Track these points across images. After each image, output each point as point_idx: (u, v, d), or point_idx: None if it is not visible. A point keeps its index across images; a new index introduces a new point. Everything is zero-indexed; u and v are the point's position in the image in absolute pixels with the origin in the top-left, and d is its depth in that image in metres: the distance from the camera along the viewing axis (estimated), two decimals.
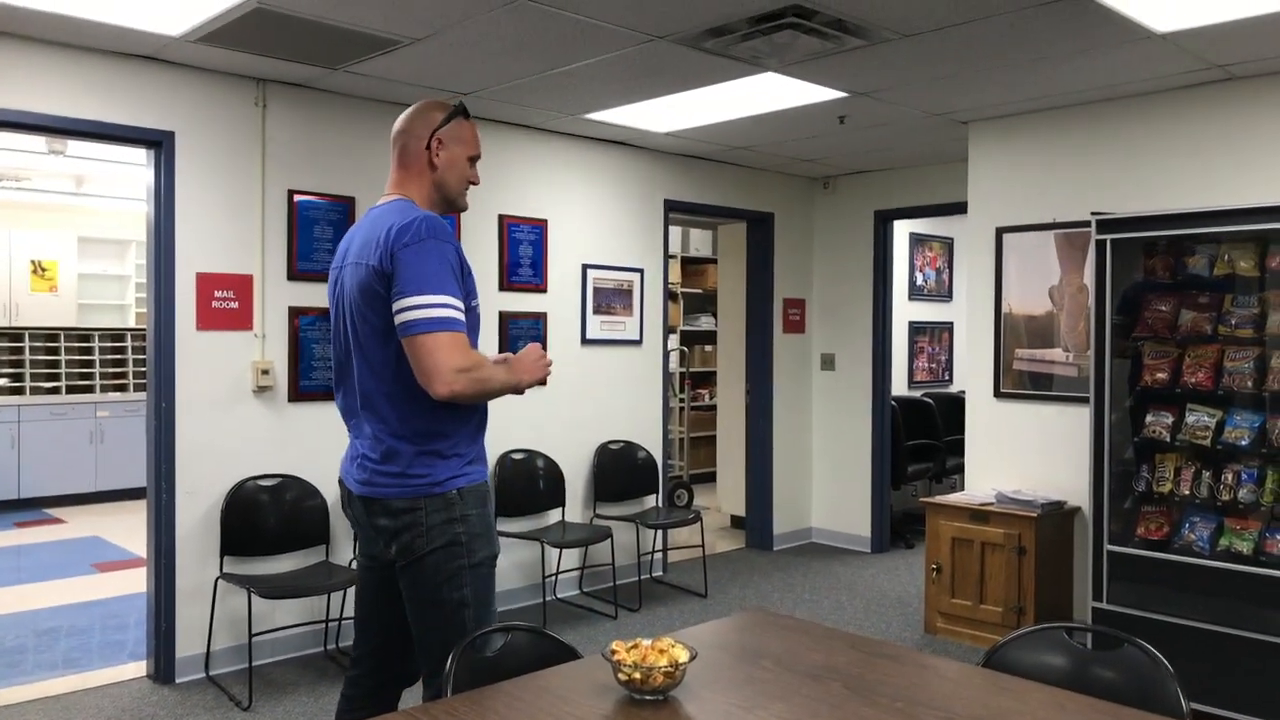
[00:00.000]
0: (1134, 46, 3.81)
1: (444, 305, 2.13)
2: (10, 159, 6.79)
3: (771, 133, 5.38)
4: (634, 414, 5.78)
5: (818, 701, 1.83)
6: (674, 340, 8.77)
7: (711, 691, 1.86)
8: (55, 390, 8.34)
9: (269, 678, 4.15)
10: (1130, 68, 4.09)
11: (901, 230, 7.33)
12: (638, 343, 5.81)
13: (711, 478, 8.33)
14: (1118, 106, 4.60)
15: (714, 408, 8.27)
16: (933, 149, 5.76)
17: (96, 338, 8.63)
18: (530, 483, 5.20)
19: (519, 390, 2.30)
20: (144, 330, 4.64)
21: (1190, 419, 3.97)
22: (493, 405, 2.41)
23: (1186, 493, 3.97)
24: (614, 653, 1.84)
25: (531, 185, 5.29)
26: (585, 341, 5.54)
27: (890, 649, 2.20)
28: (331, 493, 4.46)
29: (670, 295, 6.44)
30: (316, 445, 4.47)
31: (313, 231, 4.46)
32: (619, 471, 5.63)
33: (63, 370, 8.41)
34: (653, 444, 5.84)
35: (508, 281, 5.17)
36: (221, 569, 4.15)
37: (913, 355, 7.64)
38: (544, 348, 5.25)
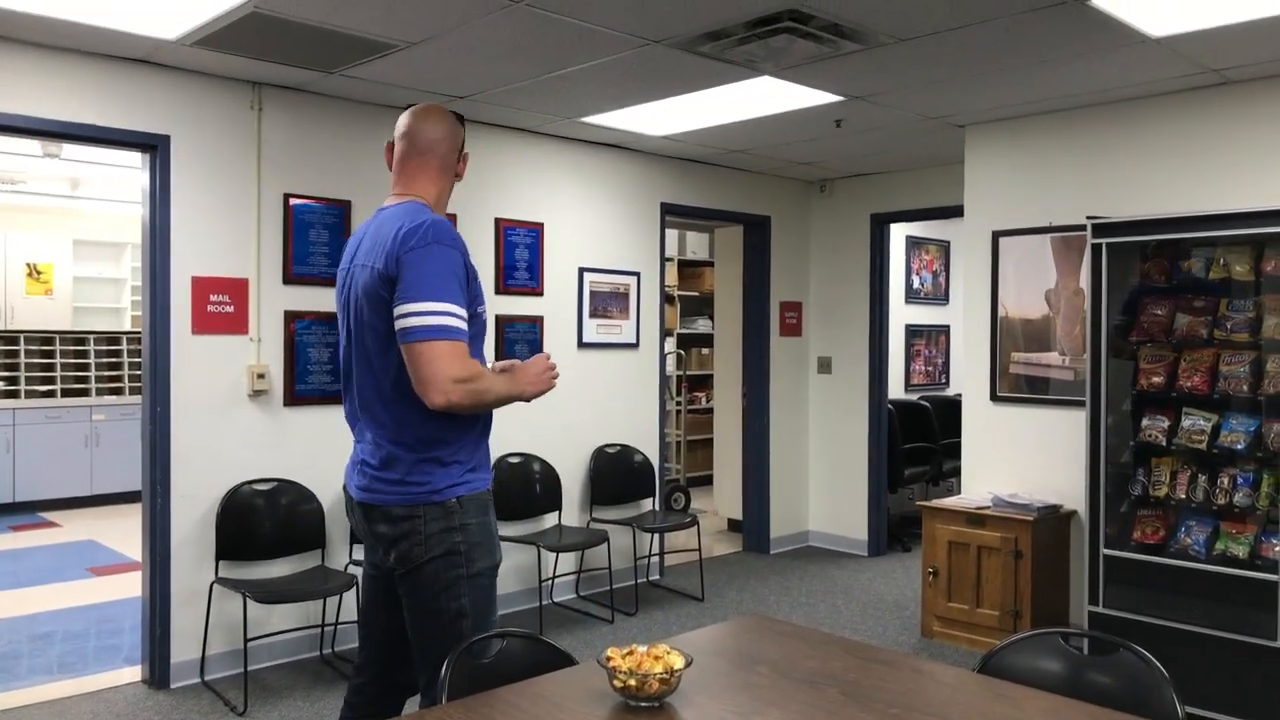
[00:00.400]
0: (1129, 51, 3.81)
1: (444, 313, 2.10)
2: (5, 162, 6.78)
3: (768, 136, 5.39)
4: (631, 417, 5.78)
5: (814, 708, 1.82)
6: (671, 343, 8.77)
7: (707, 698, 1.86)
8: (50, 394, 8.32)
9: (264, 682, 4.14)
10: (1126, 72, 4.10)
11: (898, 233, 7.34)
12: (634, 346, 5.81)
13: (708, 481, 8.33)
14: (1113, 110, 4.60)
15: (711, 411, 8.28)
16: (929, 152, 5.77)
17: (92, 341, 8.61)
18: (527, 486, 5.20)
19: (524, 400, 2.28)
20: (139, 333, 4.63)
21: (1186, 423, 3.97)
22: None
23: (1182, 496, 3.98)
24: (609, 659, 1.83)
25: (528, 189, 5.29)
26: (582, 345, 5.54)
27: (886, 655, 2.19)
28: (327, 497, 4.45)
29: (667, 298, 6.43)
30: (312, 449, 4.46)
31: (308, 235, 4.46)
32: (616, 475, 5.62)
33: (58, 373, 8.39)
34: (649, 447, 5.84)
35: (504, 285, 5.16)
36: (217, 573, 4.14)
37: (909, 358, 7.65)
38: (540, 351, 5.32)
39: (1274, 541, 3.75)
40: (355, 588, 4.17)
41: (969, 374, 5.18)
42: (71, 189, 7.90)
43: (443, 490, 2.22)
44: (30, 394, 8.22)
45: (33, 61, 3.77)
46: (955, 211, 5.61)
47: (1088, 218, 4.15)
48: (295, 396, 4.42)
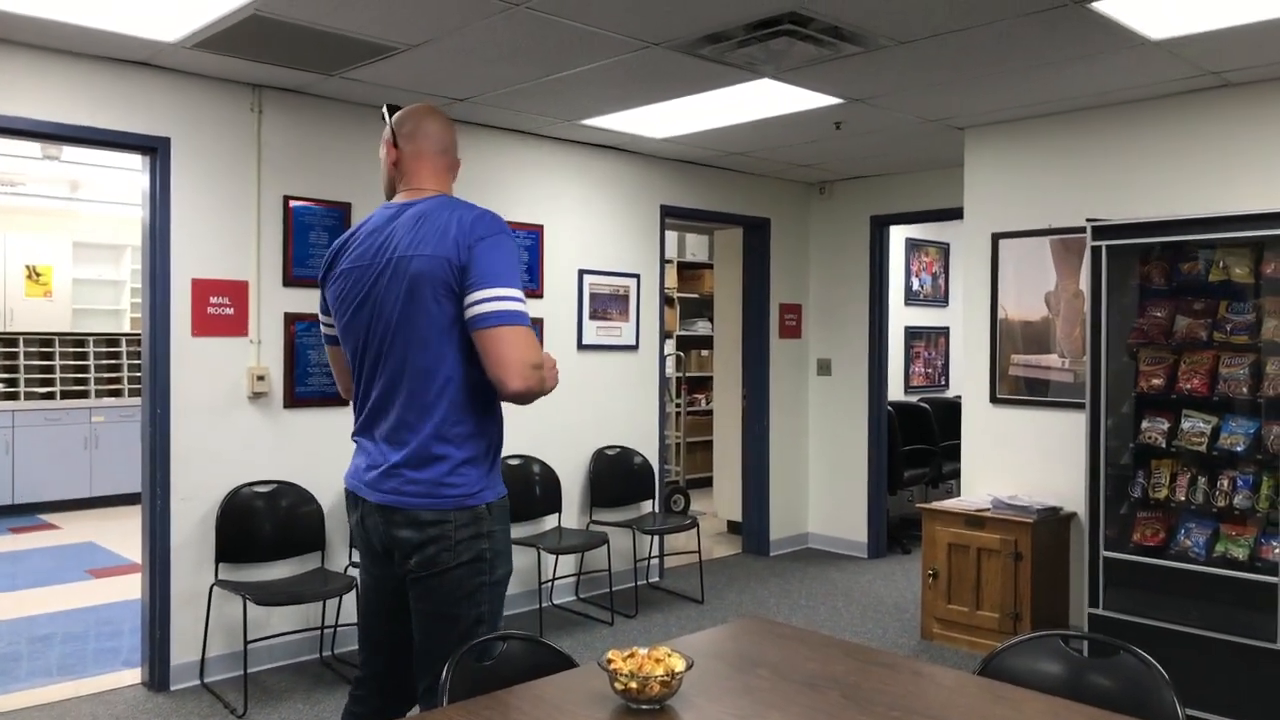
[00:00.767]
0: (1129, 53, 3.82)
1: (519, 299, 2.14)
2: (5, 164, 6.78)
3: (768, 138, 5.39)
4: (630, 419, 5.78)
5: (815, 711, 1.82)
6: (670, 345, 8.77)
7: (708, 701, 1.86)
8: (50, 395, 8.31)
9: (264, 685, 4.14)
10: (1126, 74, 4.10)
11: (897, 235, 7.34)
12: (634, 348, 5.81)
13: (708, 483, 8.33)
14: (1113, 113, 4.61)
15: (711, 412, 8.28)
16: (929, 154, 5.77)
17: (91, 343, 8.61)
18: (526, 488, 5.20)
19: (545, 394, 2.26)
20: (139, 335, 4.63)
21: (1186, 425, 3.97)
22: None
23: (1182, 498, 3.98)
24: (610, 662, 1.83)
25: (527, 191, 5.29)
26: (581, 347, 5.54)
27: (886, 657, 2.19)
28: (327, 499, 4.45)
29: (667, 300, 6.43)
30: (312, 451, 4.46)
31: (308, 237, 4.46)
32: (615, 477, 5.62)
33: (57, 375, 8.39)
34: (649, 449, 5.84)
35: None
36: (217, 575, 4.14)
37: (909, 360, 7.66)
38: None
39: (1274, 544, 3.75)
40: (355, 590, 4.16)
41: (969, 376, 5.19)
42: (71, 191, 7.90)
43: (475, 495, 2.19)
44: (30, 396, 8.22)
45: (33, 64, 3.77)
46: (955, 214, 5.61)
47: (1087, 220, 4.15)
48: (295, 398, 4.42)
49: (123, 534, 6.99)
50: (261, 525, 4.27)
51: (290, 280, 4.41)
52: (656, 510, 5.84)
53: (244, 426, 4.29)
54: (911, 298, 7.65)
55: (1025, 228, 4.92)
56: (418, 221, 2.21)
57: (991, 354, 5.06)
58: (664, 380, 6.13)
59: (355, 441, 2.34)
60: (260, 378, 4.30)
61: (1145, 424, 4.09)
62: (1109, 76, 4.13)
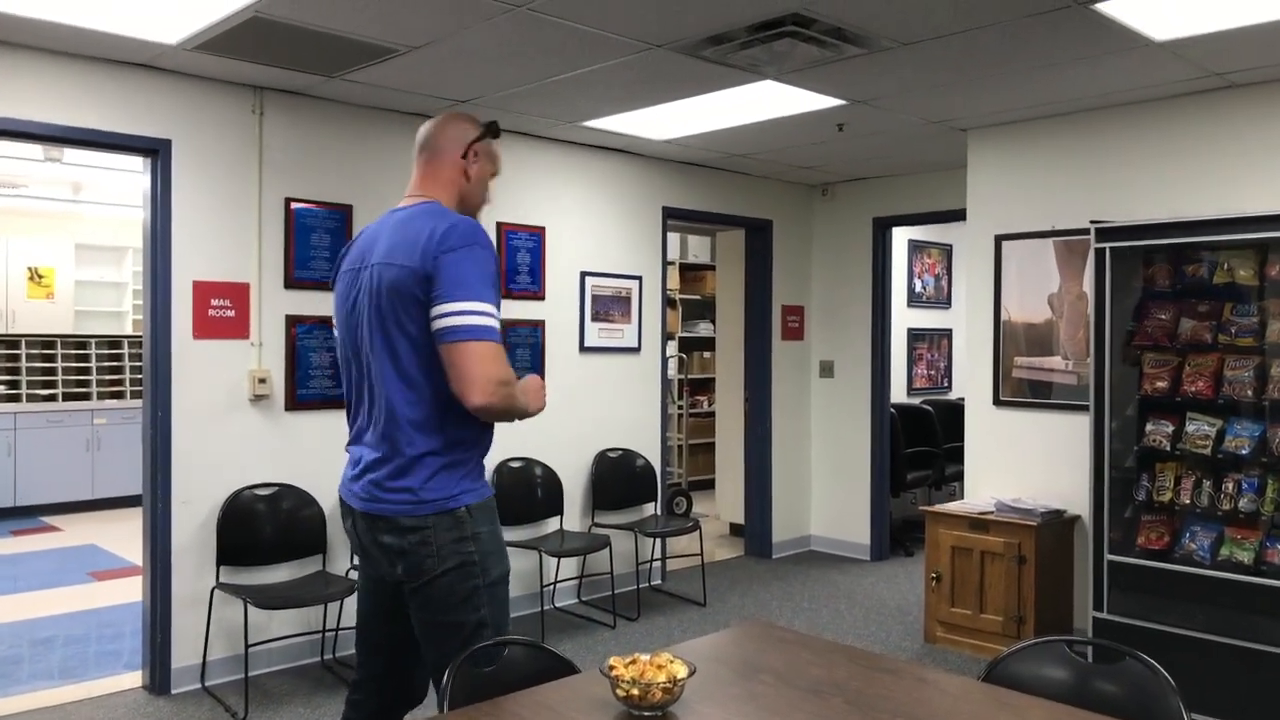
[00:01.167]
0: (1133, 55, 3.80)
1: (486, 314, 2.09)
2: (7, 166, 6.78)
3: (770, 140, 5.38)
4: (632, 421, 5.76)
5: (818, 718, 1.81)
6: (672, 347, 8.76)
7: (710, 707, 1.84)
8: (52, 398, 8.31)
9: (265, 688, 4.13)
10: (1129, 76, 4.09)
11: (900, 237, 7.33)
12: (636, 350, 5.80)
13: (710, 484, 8.31)
14: (1117, 114, 4.59)
15: (713, 414, 8.26)
16: (932, 156, 5.76)
17: (93, 345, 8.61)
18: (528, 491, 5.18)
19: (529, 415, 2.27)
20: (141, 337, 4.62)
21: (1190, 428, 3.96)
22: None
23: (1187, 502, 3.96)
24: (612, 668, 1.82)
25: (529, 193, 5.28)
26: (584, 349, 5.53)
27: (890, 663, 2.18)
28: (328, 502, 4.44)
29: (669, 302, 6.42)
30: (313, 454, 4.45)
31: (310, 239, 4.45)
32: (617, 479, 5.61)
33: (59, 377, 8.38)
34: (651, 452, 5.82)
35: (506, 289, 5.15)
36: (218, 579, 4.13)
37: (911, 362, 7.64)
38: (542, 355, 5.33)
39: (1279, 547, 3.73)
40: (356, 594, 4.15)
41: (972, 378, 5.17)
42: (73, 193, 7.90)
43: (454, 498, 2.17)
44: (31, 398, 8.21)
45: (35, 66, 3.76)
46: (958, 215, 5.60)
47: (1091, 222, 4.14)
48: (296, 401, 4.41)
49: (124, 536, 6.98)
50: (262, 528, 4.26)
51: (291, 282, 4.40)
52: (659, 513, 5.83)
53: (245, 429, 4.28)
54: (914, 299, 7.63)
55: (1028, 229, 4.90)
56: (397, 229, 2.22)
57: (995, 356, 5.04)
58: (666, 382, 6.11)
59: (347, 451, 2.34)
60: (261, 380, 4.28)
61: (1149, 427, 4.07)
62: (1112, 78, 4.12)
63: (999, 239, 5.01)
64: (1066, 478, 4.68)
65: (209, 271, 4.18)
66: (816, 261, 6.93)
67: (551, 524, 5.31)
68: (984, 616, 4.64)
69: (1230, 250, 3.92)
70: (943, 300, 7.90)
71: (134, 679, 4.21)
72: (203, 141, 4.16)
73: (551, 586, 5.33)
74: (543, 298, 5.32)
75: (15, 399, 8.13)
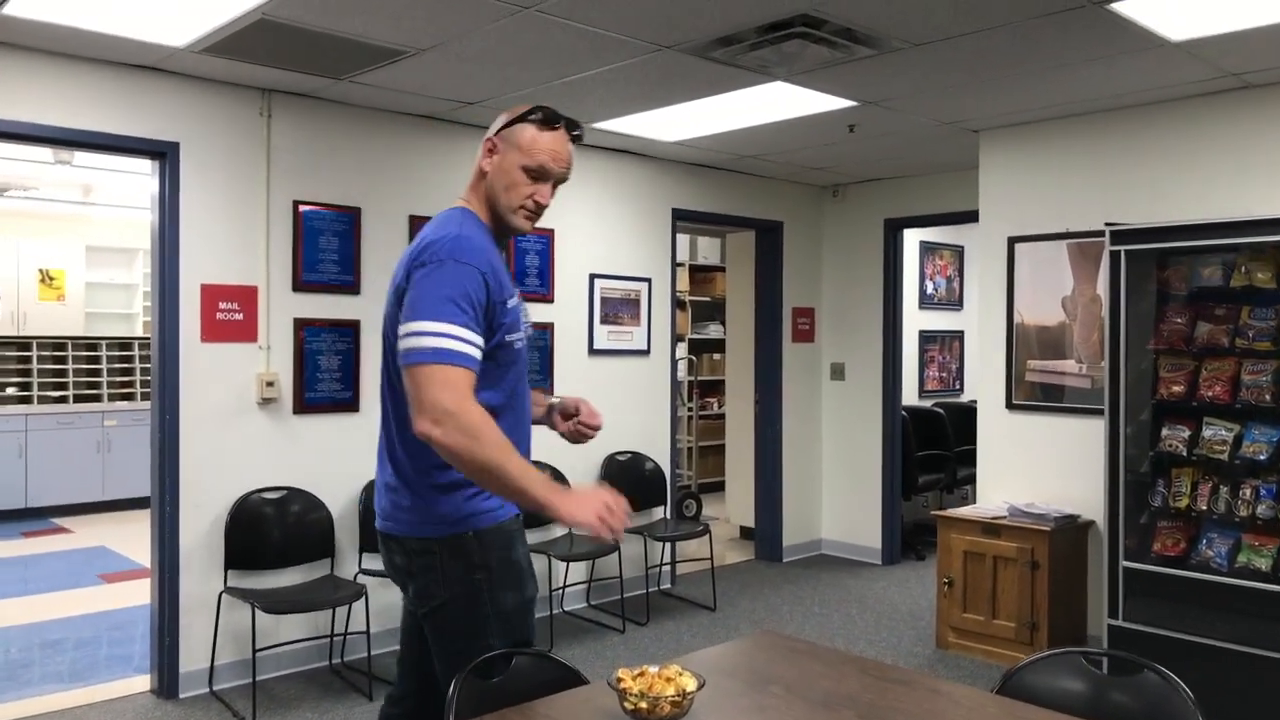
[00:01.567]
0: (1148, 55, 3.75)
1: (444, 334, 1.87)
2: (18, 168, 6.79)
3: (780, 141, 5.34)
4: (642, 424, 5.73)
5: None
6: (682, 349, 8.72)
7: None
8: (63, 399, 8.33)
9: (273, 693, 4.11)
10: (1144, 76, 4.04)
11: (911, 239, 7.27)
12: (645, 353, 5.77)
13: (720, 487, 8.28)
14: (1131, 115, 4.54)
15: (723, 416, 8.22)
16: (943, 157, 5.71)
17: (104, 346, 8.62)
18: None
19: (549, 512, 1.89)
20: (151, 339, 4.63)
21: (1207, 433, 3.91)
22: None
23: (1204, 508, 3.91)
24: (620, 681, 1.79)
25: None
26: (592, 352, 5.50)
27: (903, 674, 2.15)
28: (337, 505, 4.43)
29: (678, 303, 6.39)
30: (321, 458, 4.43)
31: (318, 242, 4.43)
32: (627, 482, 5.57)
33: (70, 379, 8.40)
34: (660, 455, 5.79)
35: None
36: (225, 582, 4.11)
37: (923, 364, 7.58)
38: (551, 358, 5.28)
39: None
40: (364, 598, 4.14)
41: (984, 381, 5.12)
42: (83, 195, 7.92)
43: (460, 523, 2.02)
44: (43, 400, 8.23)
45: (43, 69, 3.76)
46: (969, 217, 5.55)
47: (1106, 224, 4.09)
48: (305, 405, 4.39)
49: (134, 538, 6.98)
50: (271, 532, 4.25)
51: (300, 285, 4.39)
52: (668, 516, 5.80)
53: (253, 432, 4.27)
54: (925, 301, 7.57)
55: (1041, 231, 4.86)
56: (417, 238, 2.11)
57: (1008, 359, 4.99)
58: (675, 384, 6.08)
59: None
60: (269, 384, 4.27)
61: (1165, 431, 4.03)
62: (1127, 78, 4.07)
63: (1011, 241, 4.97)
64: (1080, 482, 4.63)
65: (217, 274, 4.17)
66: (827, 263, 6.89)
67: (560, 527, 5.29)
68: (996, 622, 4.60)
69: (1247, 253, 3.87)
70: (954, 302, 7.85)
71: (142, 682, 4.20)
72: (211, 144, 4.15)
73: (560, 591, 5.30)
74: (552, 300, 5.30)
75: (26, 400, 8.15)
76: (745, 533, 7.18)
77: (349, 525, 4.47)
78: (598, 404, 5.96)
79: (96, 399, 8.46)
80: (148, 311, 8.60)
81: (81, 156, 6.14)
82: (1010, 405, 4.97)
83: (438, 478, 2.03)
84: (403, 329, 1.92)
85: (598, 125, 4.92)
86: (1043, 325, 4.88)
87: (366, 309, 4.58)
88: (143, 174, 6.19)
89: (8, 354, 8.17)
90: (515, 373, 2.11)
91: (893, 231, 6.54)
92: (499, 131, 2.09)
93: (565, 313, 5.37)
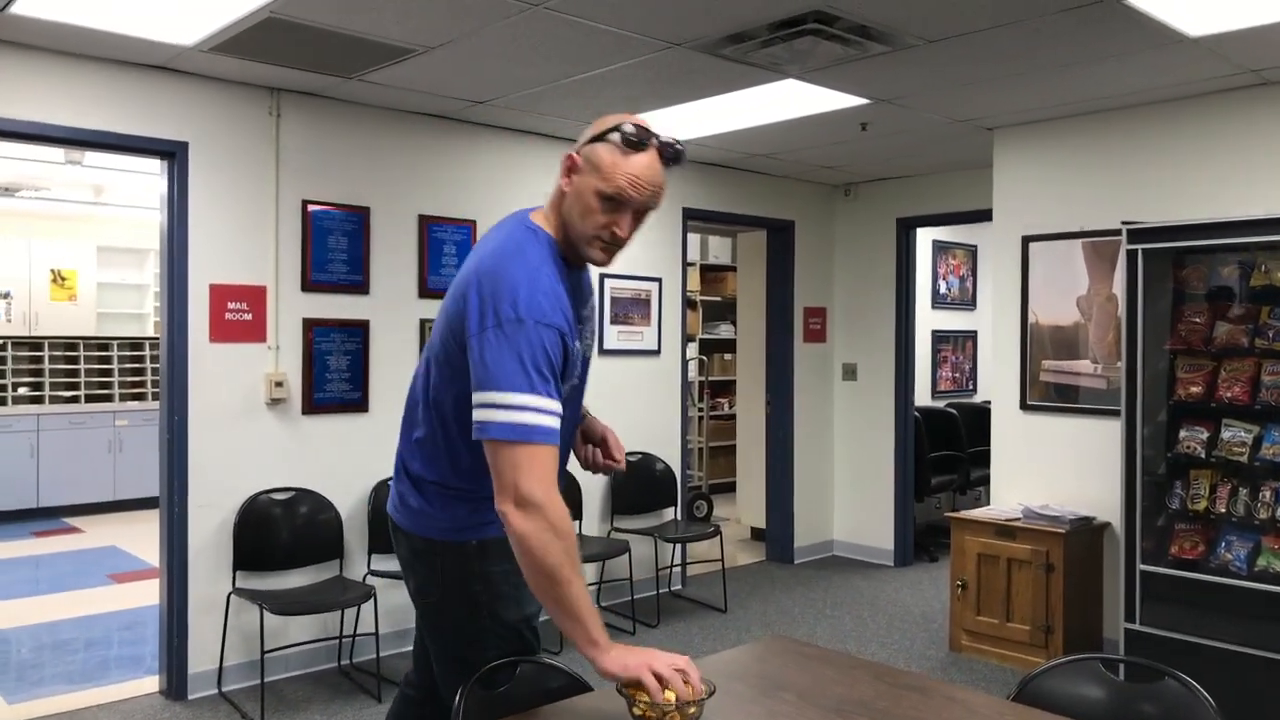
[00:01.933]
0: (1165, 51, 3.70)
1: (526, 408, 1.71)
2: (29, 169, 6.80)
3: (792, 140, 5.30)
4: (652, 425, 5.70)
5: None
6: (693, 349, 8.68)
7: None
8: (74, 399, 8.35)
9: (282, 694, 4.10)
10: (1161, 72, 3.99)
11: (924, 238, 7.22)
12: (655, 353, 5.74)
13: (731, 487, 8.23)
14: (1148, 112, 4.48)
15: (734, 417, 8.18)
16: (957, 155, 5.66)
17: (115, 347, 8.64)
18: None
19: (590, 653, 1.72)
20: None
21: (1226, 434, 3.85)
22: None
23: (1223, 510, 3.85)
24: (629, 687, 1.76)
25: (545, 191, 5.22)
26: (602, 352, 5.47)
27: (917, 680, 2.11)
28: (345, 506, 4.41)
29: (689, 303, 6.35)
30: (330, 458, 4.42)
31: (327, 242, 4.42)
32: (637, 483, 5.55)
33: (82, 379, 8.42)
34: (671, 455, 5.76)
35: None
36: (234, 584, 4.10)
37: (936, 365, 7.53)
38: None
39: None
40: (374, 599, 4.12)
41: (998, 382, 5.07)
42: (95, 196, 7.93)
43: (465, 529, 1.95)
44: (54, 400, 8.25)
45: (52, 69, 3.75)
46: (983, 216, 5.50)
47: (1123, 223, 4.03)
48: (313, 405, 4.38)
49: (145, 538, 6.96)
50: (279, 533, 4.23)
51: (309, 285, 4.37)
52: (679, 517, 5.76)
53: (262, 433, 4.25)
54: (938, 301, 7.52)
55: (1056, 230, 4.80)
56: (478, 248, 1.97)
57: (1022, 359, 4.94)
58: (686, 385, 6.05)
59: None
60: (278, 384, 4.25)
61: (1183, 433, 3.97)
62: (1144, 75, 4.02)
63: (1026, 240, 4.91)
64: (1095, 484, 4.57)
65: (226, 274, 4.16)
66: (839, 263, 6.84)
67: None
68: (1011, 625, 4.55)
69: (1267, 252, 3.81)
70: (967, 302, 7.79)
71: (151, 683, 4.19)
72: (220, 144, 4.13)
73: None
74: None
75: (38, 400, 8.17)
76: (756, 534, 7.14)
77: (358, 526, 4.45)
78: (608, 405, 5.96)
79: (108, 399, 8.48)
80: (159, 312, 8.61)
81: (92, 157, 6.14)
82: (1025, 406, 4.92)
83: (450, 484, 1.97)
84: (479, 397, 1.75)
85: None
86: (1057, 325, 4.82)
87: (376, 309, 4.56)
88: (153, 174, 6.20)
89: (20, 354, 8.19)
90: (564, 414, 1.94)
91: (905, 231, 6.49)
92: (581, 148, 1.88)
93: None
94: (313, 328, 4.37)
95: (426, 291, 4.73)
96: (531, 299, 1.76)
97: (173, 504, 4.06)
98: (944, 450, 6.84)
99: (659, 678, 1.67)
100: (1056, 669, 2.07)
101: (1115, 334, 4.53)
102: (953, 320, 7.68)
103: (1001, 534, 4.58)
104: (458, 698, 1.85)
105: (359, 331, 4.50)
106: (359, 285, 4.51)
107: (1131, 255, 3.95)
